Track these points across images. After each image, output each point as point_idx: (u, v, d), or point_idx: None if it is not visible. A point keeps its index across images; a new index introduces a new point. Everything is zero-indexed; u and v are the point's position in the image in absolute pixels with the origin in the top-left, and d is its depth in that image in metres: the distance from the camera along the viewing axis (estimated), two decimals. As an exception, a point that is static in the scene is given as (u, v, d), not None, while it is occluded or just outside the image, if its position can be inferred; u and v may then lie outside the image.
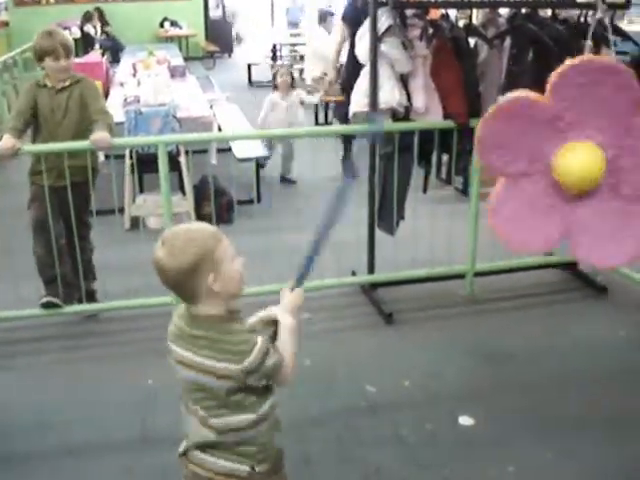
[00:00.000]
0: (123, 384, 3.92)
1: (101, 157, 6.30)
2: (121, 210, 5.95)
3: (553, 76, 2.38)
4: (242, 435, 2.12)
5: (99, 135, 4.13)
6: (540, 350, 4.26)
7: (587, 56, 2.59)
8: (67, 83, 4.29)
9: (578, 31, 4.73)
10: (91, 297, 4.60)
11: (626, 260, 2.54)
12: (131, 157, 6.13)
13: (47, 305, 4.37)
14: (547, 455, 3.31)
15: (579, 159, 2.36)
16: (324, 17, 10.40)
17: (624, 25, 9.61)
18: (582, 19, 4.85)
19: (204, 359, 2.03)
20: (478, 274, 4.94)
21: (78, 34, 16.97)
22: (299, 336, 2.18)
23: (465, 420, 3.56)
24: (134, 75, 8.77)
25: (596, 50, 4.89)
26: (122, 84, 8.45)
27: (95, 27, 16.97)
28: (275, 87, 7.55)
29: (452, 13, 5.18)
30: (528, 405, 3.71)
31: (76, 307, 4.51)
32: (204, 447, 2.19)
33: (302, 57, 13.77)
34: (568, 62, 2.39)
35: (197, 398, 2.15)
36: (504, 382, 3.93)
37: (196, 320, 2.08)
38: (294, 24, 17.67)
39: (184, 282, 2.03)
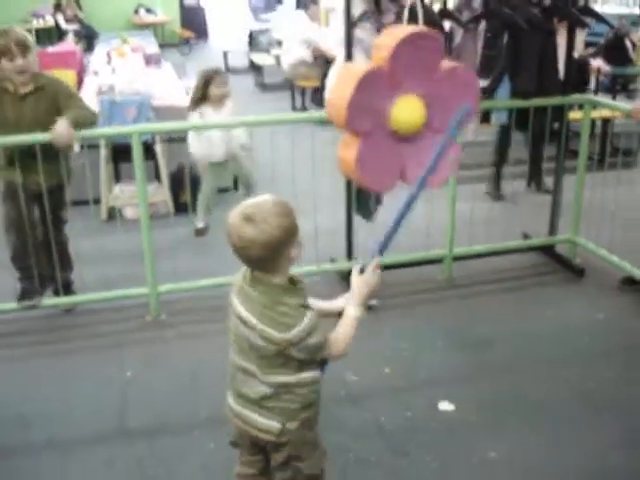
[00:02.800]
0: (102, 376, 3.90)
1: (76, 147, 6.24)
2: (97, 200, 5.90)
3: (390, 47, 2.78)
4: (282, 395, 2.29)
5: (57, 130, 3.92)
6: (519, 334, 4.27)
7: (416, 27, 3.28)
8: (30, 88, 4.06)
9: (552, 13, 4.74)
10: (68, 288, 4.55)
11: (443, 180, 3.12)
12: (107, 147, 6.08)
13: (23, 298, 4.33)
14: (528, 440, 3.33)
15: (410, 109, 2.84)
16: (305, 3, 10.36)
17: (598, 6, 9.64)
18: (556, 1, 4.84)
19: (258, 321, 2.19)
20: (456, 258, 4.95)
21: (51, 23, 16.79)
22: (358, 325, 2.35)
23: (445, 406, 3.56)
24: (108, 63, 8.68)
25: (570, 31, 4.91)
26: (96, 73, 8.35)
27: (68, 16, 16.76)
28: (203, 99, 5.62)
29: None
30: (508, 389, 3.72)
31: (53, 300, 4.47)
32: (246, 402, 2.36)
33: (279, 43, 13.68)
34: (400, 34, 2.81)
35: (248, 354, 2.29)
36: (483, 367, 3.94)
37: (258, 284, 2.23)
38: (258, 10, 17.53)
39: (269, 255, 2.15)
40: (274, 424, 2.31)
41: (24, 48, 3.98)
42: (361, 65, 3.09)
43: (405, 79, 2.83)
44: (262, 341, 2.20)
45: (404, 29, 3.05)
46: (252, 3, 19.16)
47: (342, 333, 2.32)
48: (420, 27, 3.66)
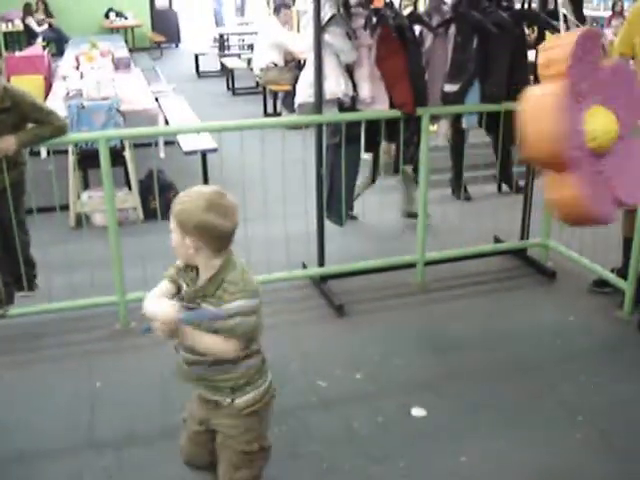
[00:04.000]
0: (70, 386, 3.84)
1: (43, 153, 6.17)
2: (65, 207, 5.82)
3: (563, 61, 2.55)
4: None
5: (2, 145, 3.92)
6: (491, 337, 4.27)
7: (574, 32, 2.76)
8: None
9: (521, 17, 4.75)
10: (31, 283, 4.49)
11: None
12: (75, 152, 6.00)
13: (-11, 308, 4.26)
14: (499, 444, 3.32)
15: (605, 121, 2.59)
16: (278, 8, 10.32)
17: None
18: (525, 5, 4.86)
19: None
20: (428, 263, 4.94)
21: (20, 27, 16.63)
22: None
23: (417, 411, 3.54)
24: (77, 68, 8.58)
25: (538, 36, 4.93)
26: (65, 78, 8.24)
27: (38, 19, 16.62)
28: None
29: (397, 1, 5.15)
30: (480, 394, 3.71)
31: (21, 309, 4.39)
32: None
33: (250, 46, 13.65)
34: (560, 45, 2.62)
35: None
36: (455, 371, 3.93)
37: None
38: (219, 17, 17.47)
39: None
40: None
41: None
42: (547, 89, 2.70)
43: (585, 89, 2.60)
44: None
45: (567, 36, 2.78)
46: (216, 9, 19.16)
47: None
48: (581, 28, 3.21)
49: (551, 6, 4.96)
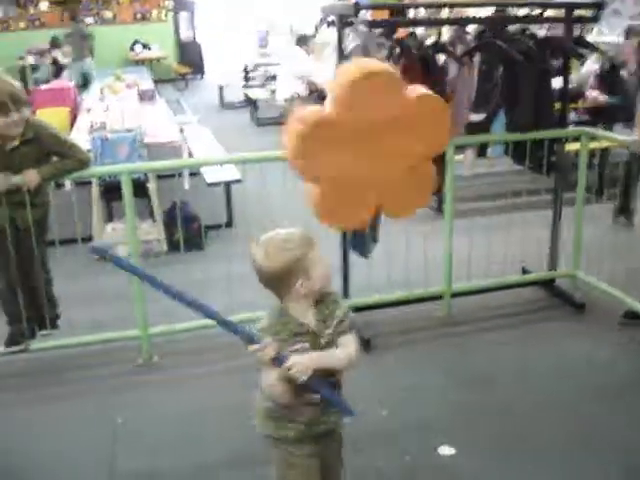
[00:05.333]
0: (91, 423, 3.79)
1: (68, 185, 6.17)
2: (88, 239, 5.81)
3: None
4: None
5: (25, 179, 3.91)
6: (519, 372, 4.17)
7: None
8: (17, 142, 3.90)
9: (547, 45, 4.69)
10: (54, 322, 4.43)
11: None
12: (99, 185, 6.01)
13: (12, 342, 4.23)
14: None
15: None
16: (305, 39, 10.36)
17: (594, 36, 9.61)
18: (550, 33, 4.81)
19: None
20: (455, 294, 4.85)
21: (48, 60, 16.83)
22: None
23: (445, 450, 3.45)
24: (102, 100, 8.66)
25: (564, 63, 4.87)
26: (89, 110, 8.31)
27: (65, 52, 16.81)
28: None
29: (420, 31, 5.11)
30: (509, 431, 3.61)
31: (43, 344, 4.35)
32: None
33: (274, 77, 13.70)
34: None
35: None
36: (483, 407, 3.83)
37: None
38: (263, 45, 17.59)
39: (272, 284, 2.35)
40: None
41: (19, 102, 3.83)
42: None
43: None
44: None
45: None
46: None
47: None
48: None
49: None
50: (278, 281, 2.31)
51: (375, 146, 3.35)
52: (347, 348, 2.37)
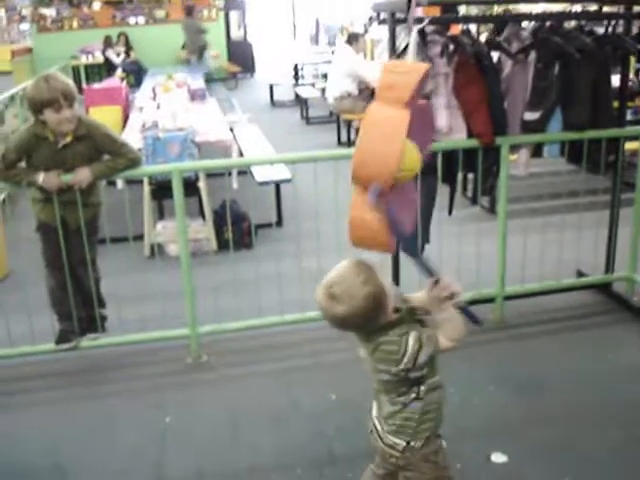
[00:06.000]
0: (140, 422, 3.80)
1: (120, 184, 6.22)
2: (139, 237, 5.85)
3: (408, 90, 2.44)
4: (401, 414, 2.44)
5: (77, 178, 3.94)
6: (574, 378, 4.05)
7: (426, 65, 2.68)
8: (69, 139, 3.92)
9: (605, 42, 4.56)
10: (102, 324, 4.45)
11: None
12: (150, 183, 6.04)
13: (62, 340, 4.25)
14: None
15: (413, 154, 2.50)
16: (355, 37, 10.30)
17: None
18: (609, 29, 4.67)
19: (372, 360, 2.39)
20: (508, 297, 4.75)
21: (101, 59, 17.09)
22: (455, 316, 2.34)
23: (498, 457, 3.36)
24: (154, 99, 8.71)
25: (623, 61, 4.73)
26: (141, 109, 8.38)
27: (118, 51, 17.05)
28: None
29: (474, 28, 5.02)
30: (562, 439, 3.50)
31: (92, 342, 4.38)
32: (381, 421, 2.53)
33: (325, 76, 13.68)
34: (416, 72, 2.48)
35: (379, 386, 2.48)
36: (537, 414, 3.73)
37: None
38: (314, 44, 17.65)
39: (365, 323, 2.29)
40: (399, 441, 2.46)
41: (71, 98, 3.83)
42: (387, 113, 2.61)
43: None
44: (384, 375, 2.37)
45: (414, 67, 2.81)
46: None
47: (449, 329, 2.35)
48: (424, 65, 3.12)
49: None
50: (368, 319, 2.28)
51: None
52: None
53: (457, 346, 2.38)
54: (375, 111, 2.56)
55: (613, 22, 4.60)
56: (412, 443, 2.46)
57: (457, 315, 2.33)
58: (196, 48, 17.01)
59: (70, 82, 3.96)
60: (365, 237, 2.63)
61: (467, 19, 4.54)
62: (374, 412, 2.60)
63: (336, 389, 3.97)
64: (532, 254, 4.83)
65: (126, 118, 8.62)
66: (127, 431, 3.71)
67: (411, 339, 2.29)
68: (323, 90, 11.99)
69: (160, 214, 6.41)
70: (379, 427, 2.54)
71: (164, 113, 7.05)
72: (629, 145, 5.18)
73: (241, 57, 19.05)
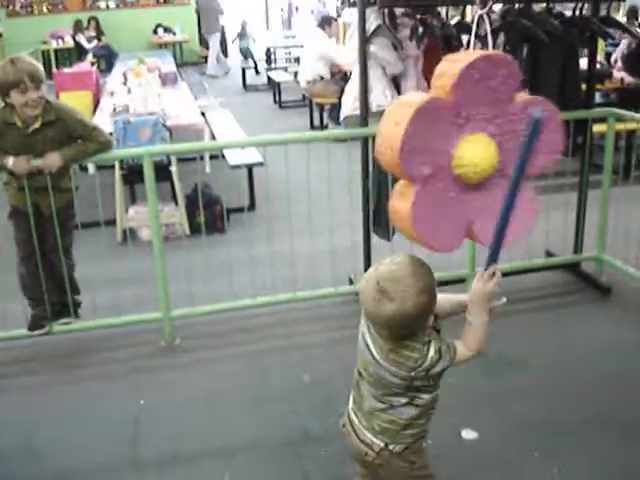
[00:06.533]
0: (114, 404, 3.81)
1: (91, 169, 6.20)
2: (111, 222, 5.83)
3: (452, 75, 2.33)
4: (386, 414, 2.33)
5: (47, 162, 3.90)
6: (544, 355, 4.12)
7: (483, 52, 2.57)
8: (39, 124, 3.88)
9: (573, 25, 4.61)
10: (75, 310, 4.44)
11: (520, 235, 2.58)
12: (122, 168, 6.02)
13: (34, 325, 4.25)
14: (554, 470, 3.18)
15: (478, 150, 2.38)
16: (327, 21, 10.30)
17: (619, 16, 9.43)
18: (577, 12, 4.72)
19: (384, 362, 2.23)
20: (479, 277, 4.81)
21: (71, 43, 16.92)
22: (487, 326, 2.28)
23: (468, 434, 3.42)
24: (125, 84, 8.66)
25: (591, 43, 4.79)
26: (112, 93, 8.33)
27: (88, 36, 16.88)
28: None
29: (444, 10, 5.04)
30: (533, 415, 3.57)
31: (65, 327, 4.37)
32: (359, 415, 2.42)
33: (297, 60, 13.66)
34: (465, 59, 2.35)
35: (368, 379, 2.35)
36: (507, 390, 3.80)
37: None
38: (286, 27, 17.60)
39: (405, 331, 2.17)
40: (377, 442, 2.35)
41: (37, 80, 3.79)
42: (417, 97, 2.52)
43: (472, 114, 2.40)
44: (388, 375, 2.24)
45: (470, 54, 2.54)
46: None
47: (472, 338, 2.28)
48: (490, 51, 3.17)
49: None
50: (410, 327, 2.16)
51: None
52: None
53: (476, 356, 2.33)
54: (403, 97, 2.55)
55: (580, 5, 4.65)
56: (391, 447, 2.35)
57: (487, 325, 2.27)
58: (210, 27, 16.68)
59: (37, 64, 3.93)
60: (399, 227, 2.60)
61: (435, 1, 4.53)
62: (351, 404, 2.49)
63: (309, 370, 4.01)
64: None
65: (97, 103, 8.56)
66: (101, 414, 3.72)
67: (432, 349, 2.20)
68: (296, 74, 11.97)
69: (132, 199, 6.39)
70: (355, 421, 2.43)
71: (135, 97, 7.01)
72: (597, 127, 5.23)
73: (213, 41, 18.90)
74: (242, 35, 16.67)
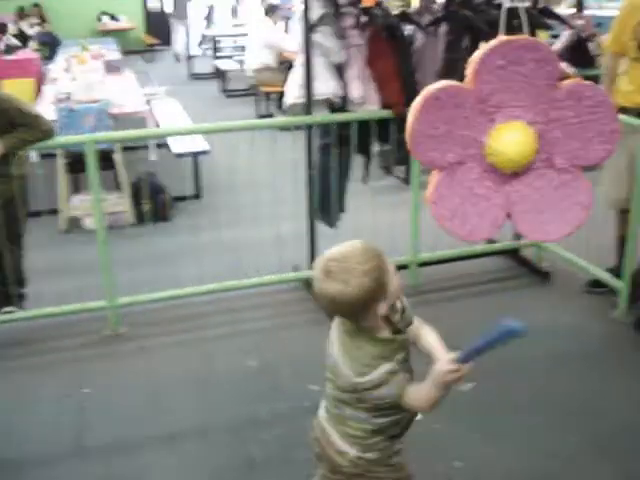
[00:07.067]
0: (58, 393, 3.79)
1: (34, 157, 6.11)
2: (55, 211, 5.77)
3: (474, 62, 2.34)
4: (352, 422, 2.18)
5: None
6: (483, 339, 4.22)
7: (504, 37, 2.57)
8: None
9: (513, 15, 4.69)
10: (20, 300, 4.41)
11: (570, 230, 2.56)
12: (65, 156, 5.95)
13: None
14: (495, 448, 3.27)
15: (510, 139, 2.37)
16: (273, 9, 10.29)
17: (560, 8, 9.59)
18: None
19: (340, 357, 2.10)
20: (422, 264, 4.89)
21: (13, 30, 16.57)
22: (434, 400, 2.12)
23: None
24: (68, 71, 8.53)
25: (531, 34, 4.88)
26: (55, 80, 8.21)
27: (31, 23, 16.57)
28: None
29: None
30: (473, 396, 3.65)
31: (8, 316, 4.32)
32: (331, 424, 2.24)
33: (243, 48, 13.60)
34: (486, 46, 2.34)
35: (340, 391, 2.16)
36: (450, 374, 3.87)
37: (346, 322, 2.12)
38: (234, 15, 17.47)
39: (351, 313, 2.04)
40: (349, 450, 2.20)
41: None
42: (435, 85, 2.52)
43: (504, 101, 2.37)
44: (340, 376, 2.10)
45: (497, 39, 2.53)
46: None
47: (425, 392, 2.12)
48: (521, 36, 3.05)
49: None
50: (356, 310, 2.01)
51: None
52: (427, 331, 2.39)
53: (423, 412, 2.24)
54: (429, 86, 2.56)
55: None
56: (364, 454, 2.19)
57: (435, 399, 2.12)
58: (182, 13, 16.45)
59: None
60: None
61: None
62: (321, 412, 2.31)
63: (255, 356, 4.04)
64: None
65: (39, 90, 8.43)
66: (45, 404, 3.71)
67: (383, 368, 2.06)
68: (242, 62, 11.93)
69: (76, 188, 6.32)
70: (328, 430, 2.25)
71: (78, 85, 6.92)
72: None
73: (159, 29, 18.71)
74: (209, 20, 16.55)
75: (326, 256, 2.01)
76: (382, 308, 2.04)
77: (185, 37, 15.67)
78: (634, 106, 4.28)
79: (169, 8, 18.65)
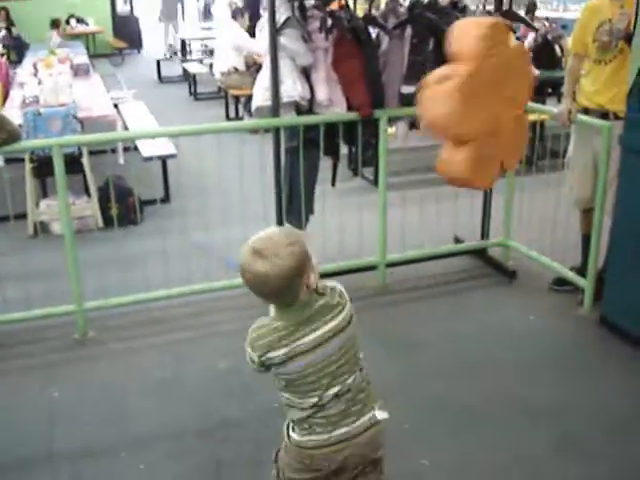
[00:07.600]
0: (27, 398, 3.77)
1: (0, 162, 6.07)
2: (22, 216, 5.73)
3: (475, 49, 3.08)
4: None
5: None
6: (451, 338, 4.27)
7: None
8: None
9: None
10: None
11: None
12: (32, 160, 5.91)
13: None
14: (461, 446, 3.32)
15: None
16: (240, 12, 10.30)
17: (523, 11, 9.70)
18: (480, 6, 4.88)
19: (331, 324, 2.23)
20: (390, 265, 4.93)
21: None
22: None
23: (379, 414, 3.50)
24: (35, 75, 8.47)
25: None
26: (22, 85, 8.15)
27: (-3, 26, 16.41)
28: None
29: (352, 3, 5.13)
30: (440, 395, 3.71)
31: (-26, 321, 4.30)
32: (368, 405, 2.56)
33: (212, 52, 13.59)
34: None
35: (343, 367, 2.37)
36: (416, 372, 3.92)
37: (292, 307, 2.18)
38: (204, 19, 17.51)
39: (286, 285, 2.09)
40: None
41: None
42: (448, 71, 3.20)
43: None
44: (348, 326, 2.32)
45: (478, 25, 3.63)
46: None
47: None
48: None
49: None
50: (290, 282, 2.08)
51: (497, 97, 3.52)
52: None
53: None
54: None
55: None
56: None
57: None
58: (170, 14, 16.54)
59: None
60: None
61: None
62: (355, 424, 2.54)
63: (224, 358, 4.04)
64: (412, 224, 5.03)
65: (6, 94, 8.36)
66: (14, 409, 3.69)
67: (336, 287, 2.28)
68: (211, 66, 11.92)
69: (44, 192, 6.29)
70: (350, 426, 2.50)
71: (46, 89, 6.88)
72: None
73: (127, 32, 18.59)
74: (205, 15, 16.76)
75: (250, 242, 2.11)
76: (312, 278, 2.14)
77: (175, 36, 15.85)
78: (596, 107, 4.35)
79: (139, 12, 18.60)
